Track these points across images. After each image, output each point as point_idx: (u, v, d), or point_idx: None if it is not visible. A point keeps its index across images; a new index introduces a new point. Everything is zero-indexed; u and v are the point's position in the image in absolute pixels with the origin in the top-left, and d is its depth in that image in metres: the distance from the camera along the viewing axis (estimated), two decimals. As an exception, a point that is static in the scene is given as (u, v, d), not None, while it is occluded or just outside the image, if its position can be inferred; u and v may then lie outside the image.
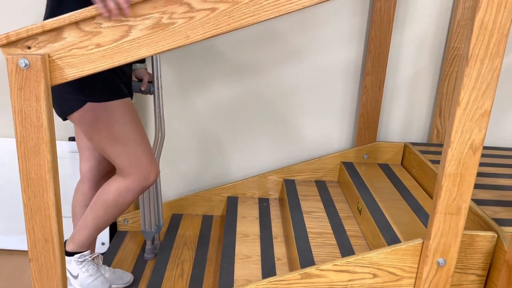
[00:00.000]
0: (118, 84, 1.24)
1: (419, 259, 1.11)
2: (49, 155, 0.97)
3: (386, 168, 1.76)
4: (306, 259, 1.26)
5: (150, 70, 1.51)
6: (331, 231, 1.43)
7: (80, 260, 1.34)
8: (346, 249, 1.32)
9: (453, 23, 1.67)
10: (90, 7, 0.90)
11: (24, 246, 1.77)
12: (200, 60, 1.72)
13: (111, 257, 1.67)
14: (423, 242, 1.09)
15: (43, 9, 1.23)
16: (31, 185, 0.99)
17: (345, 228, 1.45)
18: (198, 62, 1.72)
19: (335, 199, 1.67)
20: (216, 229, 1.78)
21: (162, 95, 1.49)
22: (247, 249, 1.45)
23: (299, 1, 0.90)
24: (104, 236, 1.80)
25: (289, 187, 1.76)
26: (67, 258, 1.34)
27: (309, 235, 1.39)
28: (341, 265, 1.14)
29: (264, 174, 1.83)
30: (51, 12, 1.17)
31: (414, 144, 1.78)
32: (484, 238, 1.11)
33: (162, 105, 1.50)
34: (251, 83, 1.76)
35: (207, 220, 1.84)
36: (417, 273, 1.12)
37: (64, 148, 1.71)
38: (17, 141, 0.96)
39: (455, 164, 1.00)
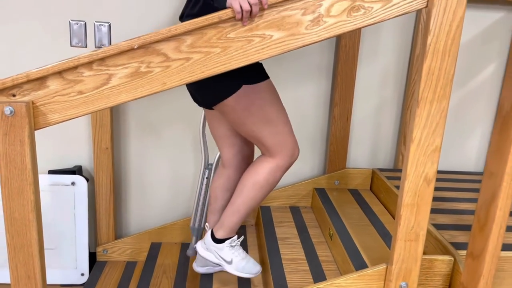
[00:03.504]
0: (262, 65, 1.27)
1: (384, 283, 1.19)
2: (33, 195, 1.02)
3: (356, 194, 1.85)
4: (280, 286, 1.32)
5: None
6: (304, 257, 1.50)
7: (232, 245, 1.37)
8: (318, 275, 1.39)
9: (413, 58, 1.80)
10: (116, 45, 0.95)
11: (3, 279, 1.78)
12: (169, 96, 1.79)
13: (91, 287, 1.70)
14: (386, 267, 1.17)
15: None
16: (14, 225, 1.03)
17: (318, 253, 1.53)
18: (166, 98, 1.79)
19: (308, 225, 1.75)
20: (194, 257, 1.83)
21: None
22: (225, 276, 1.50)
23: (266, 51, 1.00)
24: (83, 267, 1.82)
25: (265, 214, 1.83)
26: (218, 245, 1.37)
27: (283, 262, 1.46)
28: (312, 291, 1.21)
29: (240, 202, 1.90)
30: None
31: (381, 170, 1.88)
32: (442, 261, 1.20)
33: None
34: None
35: (185, 248, 1.89)
36: (382, 296, 1.20)
37: (44, 181, 1.74)
38: (1, 183, 1.01)
39: (411, 195, 1.09)
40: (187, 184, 1.92)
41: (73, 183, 1.75)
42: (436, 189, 1.68)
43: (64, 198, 1.75)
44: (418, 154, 1.06)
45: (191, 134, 1.86)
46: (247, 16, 0.95)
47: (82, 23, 1.68)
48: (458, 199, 1.61)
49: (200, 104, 1.38)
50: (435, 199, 1.57)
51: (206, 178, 1.67)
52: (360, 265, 1.30)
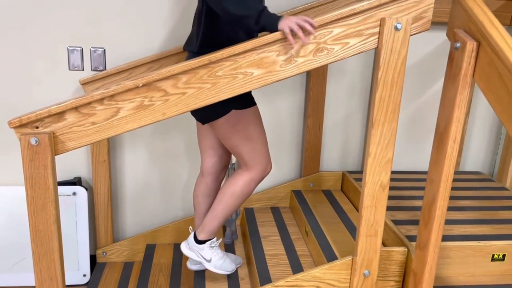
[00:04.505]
0: (251, 93, 1.48)
1: (351, 272, 1.43)
2: (54, 210, 1.21)
3: (328, 194, 2.09)
4: (264, 278, 1.55)
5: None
6: (284, 252, 1.72)
7: (212, 246, 1.57)
8: (296, 267, 1.62)
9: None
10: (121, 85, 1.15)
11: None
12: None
13: (93, 287, 1.89)
14: (352, 259, 1.41)
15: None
16: (39, 235, 1.22)
17: (296, 248, 1.76)
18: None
19: (287, 223, 1.98)
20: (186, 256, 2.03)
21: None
22: (215, 273, 1.72)
23: (248, 86, 1.21)
24: (85, 268, 2.00)
25: (249, 215, 2.05)
26: (199, 246, 1.57)
27: (266, 257, 1.68)
28: (291, 281, 1.44)
29: (226, 204, 2.12)
30: (205, 35, 1.39)
31: (350, 172, 2.13)
32: (398, 252, 1.45)
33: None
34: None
35: (178, 248, 2.09)
36: (349, 283, 1.44)
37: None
38: (27, 201, 1.19)
39: (370, 199, 1.33)
40: (178, 190, 2.12)
41: (74, 193, 1.93)
42: (397, 188, 1.95)
43: (67, 207, 1.93)
44: (374, 165, 1.30)
45: (182, 144, 2.05)
46: (299, 37, 1.15)
47: (79, 49, 1.86)
48: (415, 197, 1.86)
49: (196, 118, 1.59)
50: (395, 197, 1.84)
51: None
52: (331, 257, 1.54)
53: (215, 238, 1.60)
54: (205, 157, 1.68)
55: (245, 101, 1.45)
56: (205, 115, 1.46)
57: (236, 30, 1.37)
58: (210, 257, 1.58)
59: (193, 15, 1.45)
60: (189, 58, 1.43)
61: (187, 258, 2.01)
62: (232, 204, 1.55)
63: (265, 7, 1.23)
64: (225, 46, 1.20)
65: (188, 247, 1.61)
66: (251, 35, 1.38)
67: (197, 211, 1.71)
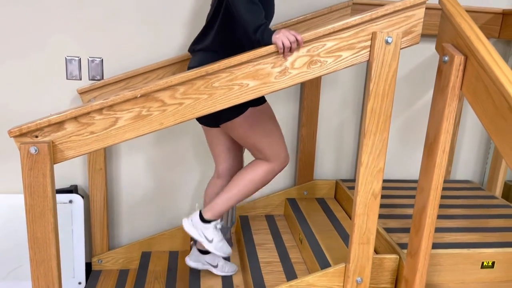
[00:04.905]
0: None
1: (344, 279, 1.45)
2: (52, 218, 1.23)
3: (322, 202, 2.12)
4: (259, 285, 1.57)
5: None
6: (279, 260, 1.75)
7: (217, 227, 1.59)
8: (290, 274, 1.64)
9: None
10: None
11: (6, 291, 1.95)
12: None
13: (89, 295, 1.90)
14: (345, 266, 1.44)
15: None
16: (37, 243, 1.24)
17: (290, 256, 1.78)
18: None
19: (281, 231, 2.00)
20: (182, 263, 2.05)
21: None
22: (211, 280, 1.74)
23: (243, 96, 1.24)
24: (80, 276, 2.01)
25: (244, 223, 2.07)
26: (205, 224, 1.57)
27: (260, 264, 1.71)
28: (285, 288, 1.46)
29: (221, 212, 2.14)
30: (218, 34, 1.45)
31: (343, 180, 2.16)
32: (390, 259, 1.48)
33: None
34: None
35: (173, 256, 2.11)
36: (342, 289, 1.47)
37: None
38: (26, 209, 1.21)
39: (362, 207, 1.36)
40: (174, 198, 2.14)
41: (70, 201, 1.95)
42: (389, 196, 1.98)
43: (63, 215, 1.94)
44: (366, 174, 1.33)
45: (178, 152, 2.08)
46: (288, 52, 1.20)
47: (77, 58, 1.88)
48: (406, 205, 1.90)
49: (205, 124, 1.61)
50: (387, 205, 1.87)
51: None
52: (324, 264, 1.57)
53: (219, 220, 1.62)
54: (219, 160, 1.71)
55: (259, 98, 1.46)
56: (222, 116, 1.48)
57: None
58: (212, 238, 1.60)
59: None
60: (198, 56, 1.48)
61: (182, 266, 2.03)
62: (248, 191, 1.58)
63: (267, 22, 1.28)
64: (235, 46, 1.27)
65: (191, 224, 1.61)
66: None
67: None
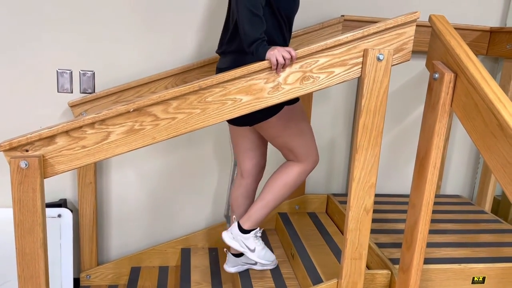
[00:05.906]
0: None
1: (336, 295, 1.45)
2: (41, 233, 1.21)
3: (313, 217, 2.12)
4: (250, 301, 1.55)
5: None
6: (270, 275, 1.73)
7: (257, 235, 1.58)
8: (282, 290, 1.63)
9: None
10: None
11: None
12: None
13: (76, 311, 1.86)
14: (337, 281, 1.43)
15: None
16: (25, 259, 1.22)
17: (282, 271, 1.77)
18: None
19: (273, 246, 1.99)
20: (172, 278, 2.02)
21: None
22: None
23: (237, 111, 1.25)
24: (68, 292, 1.98)
25: (234, 237, 2.06)
26: (244, 235, 1.59)
27: (252, 280, 1.69)
28: (277, 304, 1.45)
29: (213, 226, 2.12)
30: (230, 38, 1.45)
31: (335, 195, 2.16)
32: (382, 275, 1.48)
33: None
34: (200, 149, 2.07)
35: (163, 271, 2.08)
36: (334, 306, 1.46)
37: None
38: (15, 223, 1.19)
39: (354, 223, 1.36)
40: (164, 213, 2.12)
41: (59, 215, 1.92)
42: (381, 211, 1.99)
43: (51, 229, 1.90)
44: (358, 189, 1.34)
45: (168, 166, 2.06)
46: (280, 68, 1.21)
47: (69, 71, 1.88)
48: (398, 220, 1.90)
49: (236, 124, 1.58)
50: (379, 220, 1.88)
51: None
52: (316, 280, 1.56)
53: (258, 228, 1.61)
54: (243, 159, 1.68)
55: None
56: (255, 116, 1.45)
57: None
58: (254, 247, 1.60)
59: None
60: (230, 57, 1.47)
61: (172, 281, 2.00)
62: (283, 195, 1.58)
63: (265, 38, 1.29)
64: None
65: (231, 237, 1.61)
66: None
67: (236, 213, 1.73)
